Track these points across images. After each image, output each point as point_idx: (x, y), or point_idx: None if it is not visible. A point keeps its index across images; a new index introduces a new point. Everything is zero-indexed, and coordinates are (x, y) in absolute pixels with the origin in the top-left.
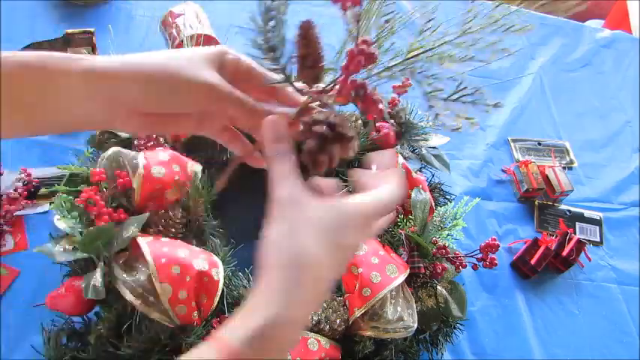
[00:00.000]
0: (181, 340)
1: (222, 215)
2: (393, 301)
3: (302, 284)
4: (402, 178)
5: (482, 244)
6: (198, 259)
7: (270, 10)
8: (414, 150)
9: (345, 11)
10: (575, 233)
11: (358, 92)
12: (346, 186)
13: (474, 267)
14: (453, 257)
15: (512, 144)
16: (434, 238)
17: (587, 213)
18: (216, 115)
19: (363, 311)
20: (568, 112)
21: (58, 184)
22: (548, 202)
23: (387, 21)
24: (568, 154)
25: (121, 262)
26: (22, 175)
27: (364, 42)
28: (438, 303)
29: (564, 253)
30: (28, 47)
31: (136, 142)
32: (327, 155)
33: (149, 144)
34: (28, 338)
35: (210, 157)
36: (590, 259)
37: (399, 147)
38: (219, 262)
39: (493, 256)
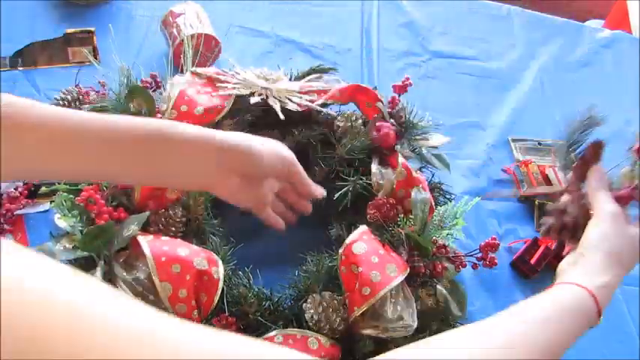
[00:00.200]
0: None
1: (222, 214)
2: (393, 300)
3: (618, 271)
4: None
5: (483, 244)
6: (198, 257)
7: None
8: (414, 150)
9: None
10: None
11: None
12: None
13: (474, 266)
14: (453, 256)
15: (512, 144)
16: (434, 238)
17: None
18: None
19: (362, 310)
20: (568, 111)
21: (59, 183)
22: (549, 202)
23: None
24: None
25: (121, 260)
26: None
27: None
28: (437, 302)
29: (564, 253)
30: (28, 47)
31: None
32: None
33: None
34: None
35: None
36: None
37: (399, 146)
38: (219, 261)
39: (493, 255)
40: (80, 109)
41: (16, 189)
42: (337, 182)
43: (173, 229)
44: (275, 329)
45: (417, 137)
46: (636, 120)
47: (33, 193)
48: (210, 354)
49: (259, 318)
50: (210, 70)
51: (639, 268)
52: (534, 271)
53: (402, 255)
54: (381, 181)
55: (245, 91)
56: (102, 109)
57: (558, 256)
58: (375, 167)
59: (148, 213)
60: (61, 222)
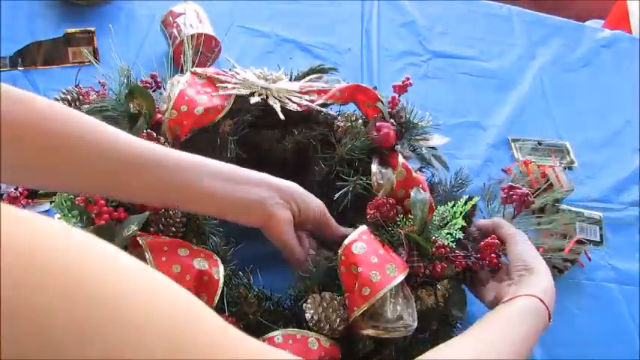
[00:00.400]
0: None
1: None
2: (392, 300)
3: (547, 275)
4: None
5: (482, 243)
6: (199, 257)
7: None
8: (414, 150)
9: None
10: (575, 233)
11: None
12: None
13: (474, 266)
14: (452, 256)
15: (512, 144)
16: (433, 237)
17: (587, 213)
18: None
19: (362, 310)
20: (568, 111)
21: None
22: (549, 202)
23: None
24: (568, 154)
25: None
26: None
27: None
28: (437, 302)
29: (564, 253)
30: (28, 47)
31: None
32: None
33: None
34: None
35: (209, 156)
36: (590, 259)
37: (398, 146)
38: (219, 261)
39: (493, 255)
40: (80, 109)
41: (16, 189)
42: (337, 182)
43: (173, 229)
44: (275, 329)
45: (417, 137)
46: (636, 120)
47: (33, 193)
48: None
49: (259, 318)
50: (210, 70)
51: (639, 268)
52: None
53: (401, 255)
54: (381, 181)
55: (245, 91)
56: (102, 109)
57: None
58: (375, 167)
59: (147, 213)
60: (61, 222)
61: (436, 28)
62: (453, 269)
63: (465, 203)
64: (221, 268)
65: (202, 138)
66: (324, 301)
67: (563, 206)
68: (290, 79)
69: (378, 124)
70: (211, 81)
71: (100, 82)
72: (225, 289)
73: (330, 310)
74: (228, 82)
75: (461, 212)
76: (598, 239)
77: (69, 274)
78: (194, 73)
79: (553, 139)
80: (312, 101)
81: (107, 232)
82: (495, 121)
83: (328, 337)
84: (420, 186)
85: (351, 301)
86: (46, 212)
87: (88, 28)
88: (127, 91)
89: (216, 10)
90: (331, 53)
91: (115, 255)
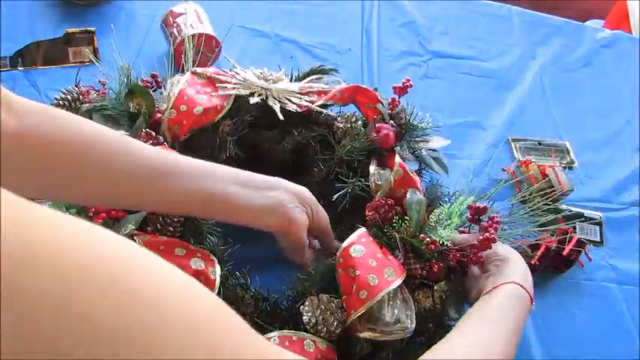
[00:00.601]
0: None
1: None
2: (390, 303)
3: (522, 263)
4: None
5: (482, 238)
6: (195, 258)
7: None
8: (413, 152)
9: None
10: (575, 233)
11: None
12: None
13: (468, 259)
14: (445, 251)
15: (512, 144)
16: (422, 235)
17: (587, 213)
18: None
19: (359, 313)
20: (568, 111)
21: None
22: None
23: None
24: (568, 154)
25: None
26: None
27: None
28: (434, 304)
29: (564, 253)
30: (28, 47)
31: None
32: None
33: (149, 142)
34: None
35: (208, 156)
36: (590, 259)
37: (398, 148)
38: (216, 262)
39: (481, 254)
40: (80, 108)
41: None
42: (336, 184)
43: (170, 228)
44: (271, 330)
45: (417, 139)
46: (636, 120)
47: None
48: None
49: (256, 319)
50: (210, 70)
51: (639, 268)
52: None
53: (398, 257)
54: (379, 182)
55: (245, 92)
56: (101, 108)
57: (558, 256)
58: (373, 168)
59: (145, 212)
60: None
61: (436, 28)
62: (448, 264)
63: (461, 203)
64: (218, 268)
65: (202, 138)
66: (321, 304)
67: (563, 206)
68: (290, 80)
69: (377, 125)
70: (211, 81)
71: (100, 81)
72: (221, 289)
73: (328, 313)
74: (228, 82)
75: (456, 212)
76: (598, 239)
77: (118, 277)
78: (194, 73)
79: (553, 139)
80: (311, 102)
81: None
82: (495, 121)
83: (325, 340)
84: (416, 187)
85: (348, 303)
86: None
87: (88, 28)
88: (127, 90)
89: (217, 10)
90: (331, 53)
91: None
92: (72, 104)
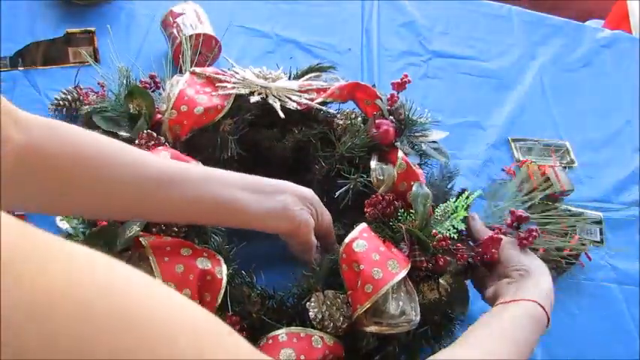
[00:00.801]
0: None
1: None
2: (394, 296)
3: (546, 280)
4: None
5: (486, 237)
6: (201, 257)
7: None
8: (413, 146)
9: None
10: (575, 233)
11: None
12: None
13: (475, 259)
14: (454, 249)
15: (512, 144)
16: (434, 231)
17: (587, 213)
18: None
19: (365, 308)
20: (568, 111)
21: None
22: (549, 202)
23: None
24: (568, 154)
25: (124, 261)
26: None
27: None
28: (440, 296)
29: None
30: (28, 47)
31: (137, 142)
32: None
33: (150, 143)
34: None
35: (210, 156)
36: (590, 259)
37: (398, 143)
38: (222, 261)
39: (494, 250)
40: (80, 109)
41: None
42: (338, 180)
43: (175, 229)
44: (279, 328)
45: (417, 134)
46: (636, 120)
47: None
48: None
49: (263, 317)
50: (209, 70)
51: (639, 268)
52: None
53: (403, 250)
54: (380, 177)
55: (244, 91)
56: (101, 110)
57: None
58: (374, 163)
59: None
60: (63, 223)
61: (436, 28)
62: (456, 263)
63: (467, 197)
64: (224, 267)
65: (203, 138)
66: (327, 300)
67: (563, 206)
68: (289, 78)
69: (377, 121)
70: (210, 81)
71: (99, 83)
72: (228, 288)
73: (334, 308)
74: (228, 82)
75: (462, 206)
76: (598, 239)
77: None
78: (193, 73)
79: (553, 139)
80: (311, 99)
81: (109, 234)
82: (495, 121)
83: (332, 335)
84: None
85: (353, 298)
86: None
87: (89, 28)
88: (126, 91)
89: (216, 10)
90: (331, 53)
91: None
92: (72, 104)
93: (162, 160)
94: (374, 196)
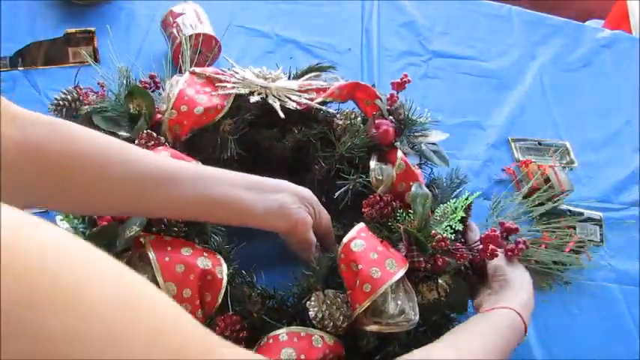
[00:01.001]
0: None
1: None
2: (393, 295)
3: (527, 292)
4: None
5: (483, 236)
6: (202, 257)
7: None
8: (413, 146)
9: None
10: (575, 233)
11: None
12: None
13: (475, 258)
14: (453, 249)
15: (512, 144)
16: (433, 231)
17: (587, 213)
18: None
19: (364, 307)
20: (568, 111)
21: None
22: (549, 202)
23: None
24: (568, 154)
25: (124, 261)
26: None
27: None
28: (439, 297)
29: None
30: (28, 47)
31: (136, 142)
32: None
33: (150, 143)
34: None
35: (210, 156)
36: (590, 259)
37: (398, 143)
38: (223, 260)
39: (494, 247)
40: (79, 109)
41: None
42: (337, 180)
43: (175, 229)
44: (279, 327)
45: (417, 134)
46: (636, 120)
47: None
48: None
49: (263, 316)
50: (209, 70)
51: (639, 268)
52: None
53: (400, 250)
54: (379, 177)
55: (244, 91)
56: (101, 110)
57: None
58: (373, 163)
59: None
60: (63, 223)
61: (436, 28)
62: (456, 264)
63: (467, 198)
64: (224, 267)
65: (203, 138)
66: (327, 299)
67: (563, 206)
68: (289, 78)
69: (377, 121)
70: (210, 81)
71: (98, 83)
72: (228, 288)
73: (334, 308)
74: (228, 82)
75: (462, 207)
76: (598, 239)
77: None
78: (193, 73)
79: (553, 139)
80: (311, 99)
81: (110, 233)
82: (495, 121)
83: (332, 335)
84: (419, 180)
85: (353, 298)
86: (47, 213)
87: (88, 28)
88: (126, 91)
89: (216, 10)
90: (331, 53)
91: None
92: (72, 104)
93: (162, 158)
94: (372, 196)
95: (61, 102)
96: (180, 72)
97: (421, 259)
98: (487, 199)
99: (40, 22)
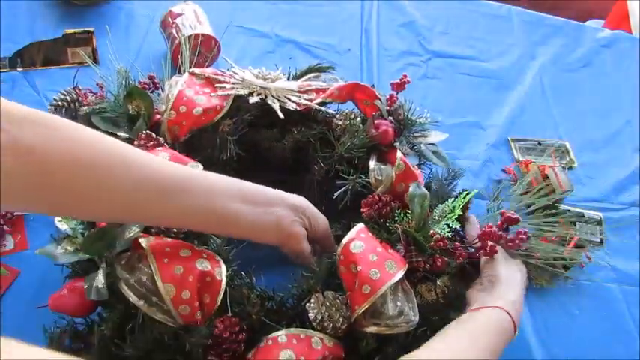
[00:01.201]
0: (185, 340)
1: None
2: (392, 296)
3: (519, 290)
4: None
5: (480, 232)
6: (201, 258)
7: None
8: (412, 147)
9: None
10: (575, 233)
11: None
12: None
13: (474, 256)
14: (451, 248)
15: (512, 144)
16: (432, 231)
17: (587, 213)
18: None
19: (364, 308)
20: (568, 112)
21: None
22: (548, 202)
23: None
24: (568, 154)
25: (123, 262)
26: None
27: None
28: (437, 297)
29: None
30: (27, 47)
31: (136, 143)
32: None
33: (149, 144)
34: (29, 339)
35: (209, 157)
36: (590, 259)
37: (397, 144)
38: (222, 262)
39: (492, 244)
40: (78, 109)
41: None
42: (337, 181)
43: (174, 230)
44: (278, 329)
45: (416, 134)
46: (636, 120)
47: None
48: None
49: (263, 318)
50: (208, 71)
51: (639, 268)
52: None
53: (399, 251)
54: (379, 177)
55: (244, 91)
56: (100, 111)
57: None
58: (373, 164)
59: None
60: (62, 224)
61: (436, 28)
62: (455, 263)
63: (464, 197)
64: (223, 268)
65: (202, 138)
66: (327, 301)
67: (563, 206)
68: (288, 79)
69: (376, 121)
70: (209, 81)
71: (97, 84)
72: (227, 289)
73: (334, 309)
74: (227, 82)
75: (459, 205)
76: (598, 240)
77: None
78: (192, 74)
79: (553, 139)
80: (310, 100)
81: (109, 235)
82: (495, 121)
83: (332, 336)
84: (418, 181)
85: (352, 299)
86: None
87: (88, 29)
88: (125, 92)
89: (216, 11)
90: (331, 53)
91: None
92: (71, 105)
93: (164, 167)
94: (371, 196)
95: (60, 103)
96: (180, 72)
97: (420, 259)
98: (488, 200)
99: (40, 22)
